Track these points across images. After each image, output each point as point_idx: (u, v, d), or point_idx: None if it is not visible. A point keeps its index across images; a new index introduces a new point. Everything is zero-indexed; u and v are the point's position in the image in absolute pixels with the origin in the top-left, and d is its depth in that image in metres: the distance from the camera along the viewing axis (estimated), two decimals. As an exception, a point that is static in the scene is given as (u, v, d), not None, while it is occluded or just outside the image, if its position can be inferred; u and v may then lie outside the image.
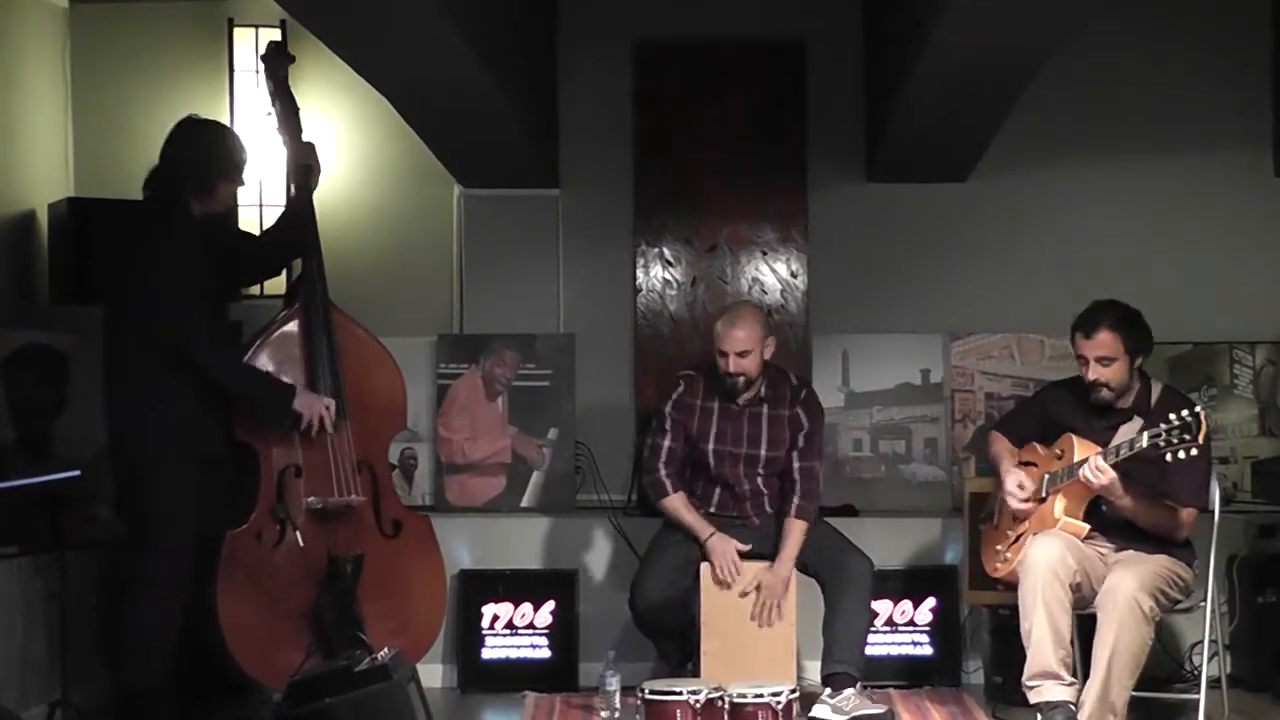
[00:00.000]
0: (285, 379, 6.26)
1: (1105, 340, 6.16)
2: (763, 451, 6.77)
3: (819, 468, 6.83)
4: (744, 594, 6.63)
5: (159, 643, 5.97)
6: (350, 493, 6.31)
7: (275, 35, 7.69)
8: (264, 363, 6.30)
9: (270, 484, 6.20)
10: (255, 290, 7.59)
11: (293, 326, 6.38)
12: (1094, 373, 6.19)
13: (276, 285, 7.33)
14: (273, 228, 6.71)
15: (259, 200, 7.82)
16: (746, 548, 6.68)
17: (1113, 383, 6.18)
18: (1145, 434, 5.87)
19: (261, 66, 6.63)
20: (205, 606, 6.03)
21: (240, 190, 6.37)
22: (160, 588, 5.95)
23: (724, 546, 6.65)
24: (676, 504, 6.75)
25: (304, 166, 6.55)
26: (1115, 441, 6.11)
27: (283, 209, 6.73)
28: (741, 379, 6.68)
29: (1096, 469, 5.95)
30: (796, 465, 6.76)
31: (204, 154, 6.14)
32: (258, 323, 6.54)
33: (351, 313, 6.56)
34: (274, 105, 6.58)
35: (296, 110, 6.56)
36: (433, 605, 6.60)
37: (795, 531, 6.68)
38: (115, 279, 6.10)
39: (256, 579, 6.10)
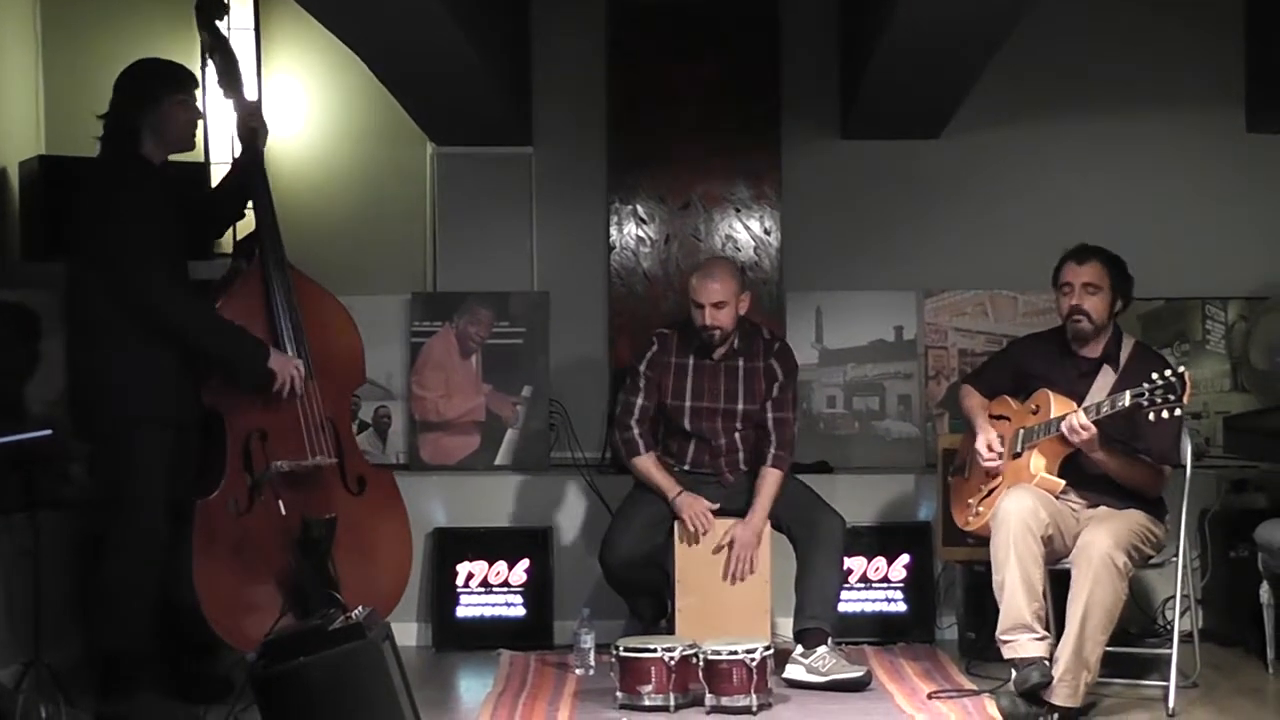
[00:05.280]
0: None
1: (1096, 269, 6.19)
2: (740, 405, 6.78)
3: (793, 419, 6.85)
4: (717, 549, 6.65)
5: (138, 603, 5.95)
6: (321, 454, 6.29)
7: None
8: None
9: (237, 450, 6.15)
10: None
11: (252, 285, 6.28)
12: (1077, 298, 6.20)
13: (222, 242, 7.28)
14: (217, 187, 6.65)
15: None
16: (715, 506, 6.70)
17: (1093, 314, 6.19)
18: (1128, 393, 5.87)
19: (194, 17, 6.45)
20: (176, 568, 6.00)
21: (181, 117, 6.12)
22: (137, 549, 5.93)
23: (692, 502, 6.66)
24: (647, 464, 6.77)
25: (249, 128, 6.43)
26: (1090, 394, 6.14)
27: (229, 168, 6.62)
28: (718, 332, 6.68)
29: (1080, 426, 5.96)
30: (770, 416, 6.77)
31: (117, 101, 6.07)
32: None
33: (324, 272, 6.55)
34: (212, 58, 6.45)
35: (236, 62, 6.44)
36: (400, 560, 6.59)
37: (770, 481, 6.69)
38: (74, 236, 6.05)
39: (232, 547, 6.08)
